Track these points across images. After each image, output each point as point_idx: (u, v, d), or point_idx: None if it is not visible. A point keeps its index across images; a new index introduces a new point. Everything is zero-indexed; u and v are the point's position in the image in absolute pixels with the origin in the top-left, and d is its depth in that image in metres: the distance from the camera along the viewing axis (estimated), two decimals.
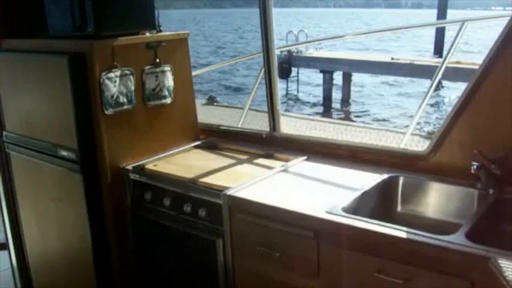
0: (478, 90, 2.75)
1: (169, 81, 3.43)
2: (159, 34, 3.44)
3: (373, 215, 2.66)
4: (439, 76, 4.12)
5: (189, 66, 3.65)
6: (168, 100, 3.45)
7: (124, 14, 3.22)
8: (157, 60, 3.35)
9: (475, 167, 2.61)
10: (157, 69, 3.35)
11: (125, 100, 3.17)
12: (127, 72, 3.17)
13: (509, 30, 2.60)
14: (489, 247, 2.09)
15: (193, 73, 3.86)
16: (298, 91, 20.39)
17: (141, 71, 3.27)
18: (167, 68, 3.40)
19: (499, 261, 2.00)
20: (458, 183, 2.81)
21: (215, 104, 8.34)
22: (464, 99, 2.81)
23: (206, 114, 7.05)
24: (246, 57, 5.60)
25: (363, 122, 14.25)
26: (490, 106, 2.75)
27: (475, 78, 2.75)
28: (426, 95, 4.10)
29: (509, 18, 2.62)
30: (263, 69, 3.65)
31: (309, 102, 19.80)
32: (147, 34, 3.38)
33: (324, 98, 18.88)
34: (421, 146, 5.85)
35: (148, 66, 3.31)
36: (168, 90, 3.43)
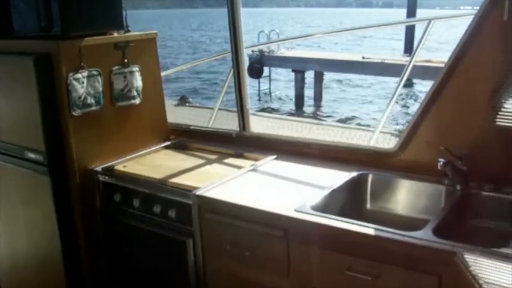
0: (444, 88, 2.79)
1: (137, 81, 3.40)
2: (127, 34, 3.41)
3: (343, 213, 2.68)
4: (407, 74, 4.14)
5: (157, 66, 3.63)
6: (137, 101, 3.42)
7: (91, 14, 3.19)
8: (126, 60, 3.33)
9: (441, 163, 2.64)
10: (126, 70, 3.33)
11: (93, 101, 3.14)
12: (94, 72, 3.14)
13: (473, 29, 2.64)
14: (456, 242, 2.12)
15: (163, 73, 3.85)
16: (270, 91, 20.40)
17: (109, 72, 3.24)
18: (135, 68, 3.38)
19: (465, 256, 2.03)
20: (426, 180, 2.85)
21: (187, 104, 8.30)
22: (431, 97, 2.84)
23: (178, 115, 7.02)
24: (214, 56, 5.58)
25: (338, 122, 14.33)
26: (455, 103, 2.79)
27: (441, 77, 2.78)
28: (394, 93, 4.14)
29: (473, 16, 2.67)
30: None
31: (281, 99, 19.88)
32: (115, 34, 3.36)
33: (296, 96, 18.92)
34: (392, 143, 5.90)
35: (116, 67, 3.28)
36: (136, 90, 3.40)
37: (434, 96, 2.83)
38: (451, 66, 2.74)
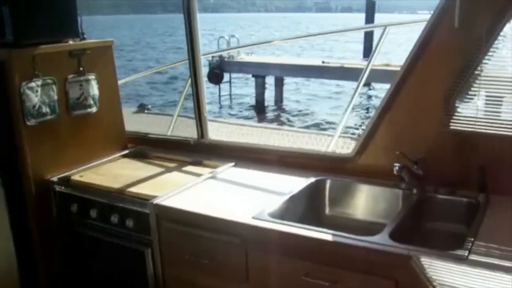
0: (399, 93, 2.83)
1: (94, 89, 3.36)
2: (82, 42, 3.36)
3: (302, 219, 2.69)
4: (365, 78, 4.19)
5: (114, 74, 3.60)
6: (94, 109, 3.38)
7: (45, 22, 3.14)
8: (81, 68, 3.28)
9: (397, 168, 2.67)
10: (81, 78, 3.28)
11: (48, 110, 3.09)
12: (49, 81, 3.09)
13: (426, 35, 2.69)
14: (412, 246, 2.16)
15: (120, 81, 3.81)
16: (231, 96, 20.38)
17: (64, 80, 3.19)
18: (91, 76, 3.34)
19: (421, 259, 2.06)
20: (384, 184, 2.88)
21: (146, 111, 8.21)
22: (386, 103, 2.88)
23: (138, 122, 6.95)
24: (171, 64, 5.55)
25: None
26: (410, 109, 2.83)
27: (396, 82, 2.82)
28: (352, 97, 4.18)
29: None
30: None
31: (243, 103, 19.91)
32: (70, 42, 3.30)
33: (257, 102, 18.95)
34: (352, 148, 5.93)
35: (71, 75, 3.24)
36: (93, 99, 3.36)
37: (389, 102, 2.87)
38: (406, 72, 2.78)
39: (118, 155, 3.60)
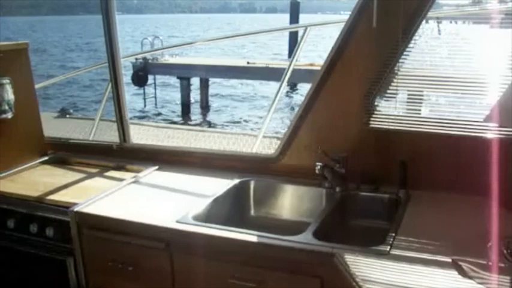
0: (320, 92, 2.86)
1: (8, 94, 3.23)
2: None
3: (227, 221, 2.68)
4: (287, 78, 4.22)
5: (31, 77, 3.47)
6: (9, 115, 3.25)
7: None
8: None
9: (318, 167, 2.71)
10: None
11: None
12: None
13: (345, 35, 2.73)
14: (335, 244, 2.18)
15: (37, 86, 3.68)
16: (156, 98, 20.12)
17: None
18: (6, 80, 3.21)
19: (345, 256, 2.08)
20: (307, 184, 2.91)
21: (68, 116, 8.00)
22: (308, 102, 2.90)
23: (60, 128, 6.75)
24: (92, 67, 5.42)
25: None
26: (331, 108, 2.87)
27: (316, 82, 2.85)
28: (275, 97, 4.19)
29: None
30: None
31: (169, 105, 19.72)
32: None
33: (183, 104, 18.81)
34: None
35: None
36: (8, 104, 3.23)
37: (311, 101, 2.90)
38: (326, 71, 2.82)
39: (37, 161, 3.48)
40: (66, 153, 3.65)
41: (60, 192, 2.96)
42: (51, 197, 2.88)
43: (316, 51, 19.04)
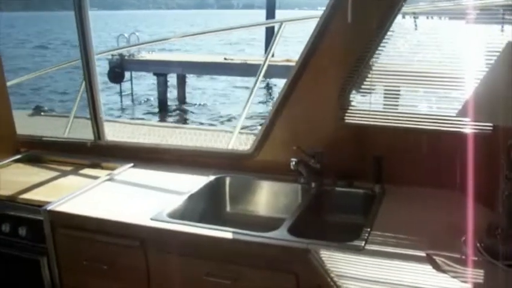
0: (295, 88, 2.86)
1: None
2: None
3: (203, 218, 2.67)
4: (263, 73, 4.20)
5: (1, 75, 3.41)
6: None
7: None
8: None
9: (293, 163, 2.70)
10: None
11: None
12: None
13: (320, 31, 2.73)
14: (310, 239, 2.18)
15: (9, 83, 3.63)
16: (132, 95, 19.99)
17: None
18: None
19: (320, 252, 2.08)
20: (283, 180, 2.91)
21: (42, 113, 7.88)
22: (283, 98, 2.90)
23: (37, 126, 6.65)
24: (66, 63, 5.34)
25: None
26: (306, 103, 2.87)
27: (291, 77, 2.85)
28: (250, 94, 4.18)
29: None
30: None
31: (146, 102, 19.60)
32: None
33: (160, 100, 18.69)
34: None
35: None
36: None
37: (286, 97, 2.90)
38: (300, 67, 2.82)
39: (9, 160, 3.43)
40: (40, 152, 3.60)
41: (33, 191, 2.92)
42: (24, 195, 2.84)
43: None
